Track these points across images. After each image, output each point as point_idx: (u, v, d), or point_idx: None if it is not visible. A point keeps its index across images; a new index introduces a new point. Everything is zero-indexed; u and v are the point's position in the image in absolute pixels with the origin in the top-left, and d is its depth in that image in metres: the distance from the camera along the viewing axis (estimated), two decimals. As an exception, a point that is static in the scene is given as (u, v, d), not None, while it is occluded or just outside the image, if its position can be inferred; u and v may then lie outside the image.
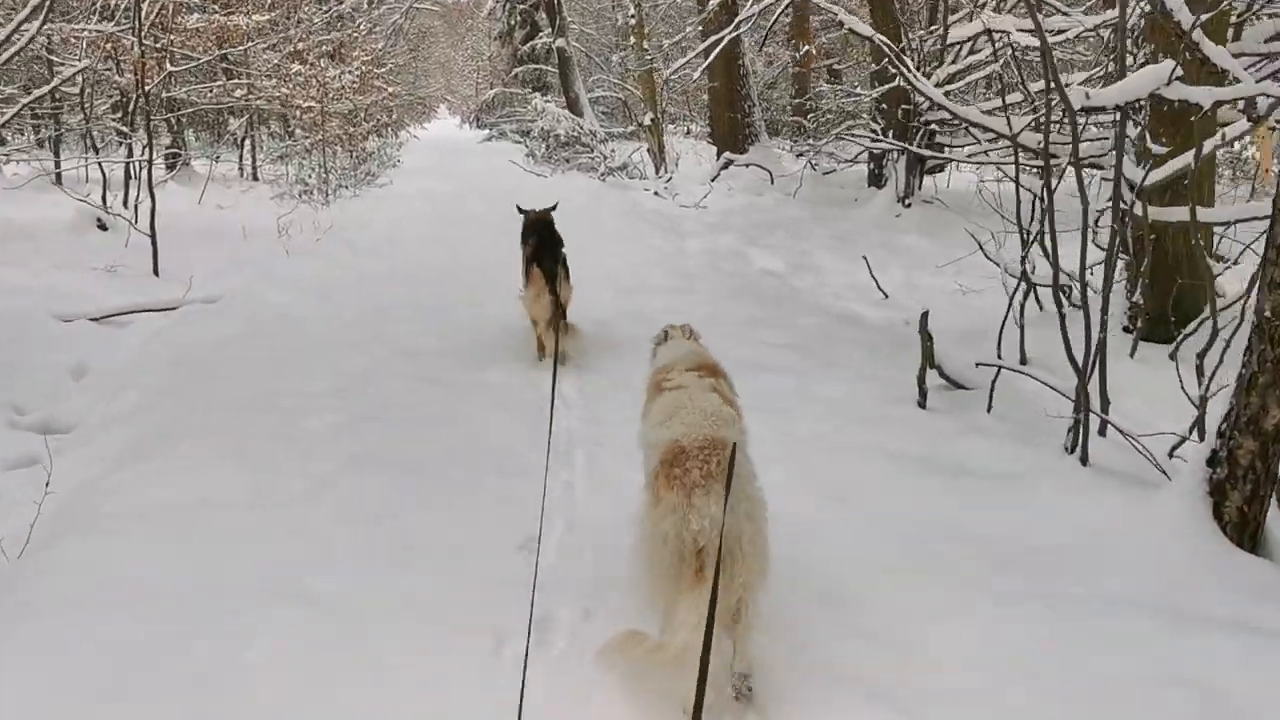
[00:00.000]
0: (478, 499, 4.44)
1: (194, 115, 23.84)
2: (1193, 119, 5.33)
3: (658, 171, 20.03)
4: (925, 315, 5.31)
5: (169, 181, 16.96)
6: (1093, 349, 4.49)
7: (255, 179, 19.16)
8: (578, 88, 29.34)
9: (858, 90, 13.93)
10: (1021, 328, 6.96)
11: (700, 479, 2.90)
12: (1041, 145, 7.78)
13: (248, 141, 19.98)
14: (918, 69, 12.93)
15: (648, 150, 20.74)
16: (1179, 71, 4.91)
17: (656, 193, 17.65)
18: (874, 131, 15.17)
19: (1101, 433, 4.51)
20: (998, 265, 8.08)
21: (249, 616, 3.42)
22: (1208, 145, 5.59)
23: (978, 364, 5.38)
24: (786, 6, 14.03)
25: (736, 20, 12.89)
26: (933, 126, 13.29)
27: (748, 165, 18.06)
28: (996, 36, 8.74)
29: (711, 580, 2.72)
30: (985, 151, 12.21)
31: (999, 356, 6.44)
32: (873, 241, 12.27)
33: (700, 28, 14.08)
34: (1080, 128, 5.82)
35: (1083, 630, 3.32)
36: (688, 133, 32.08)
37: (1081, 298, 5.08)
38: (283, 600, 3.53)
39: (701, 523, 2.81)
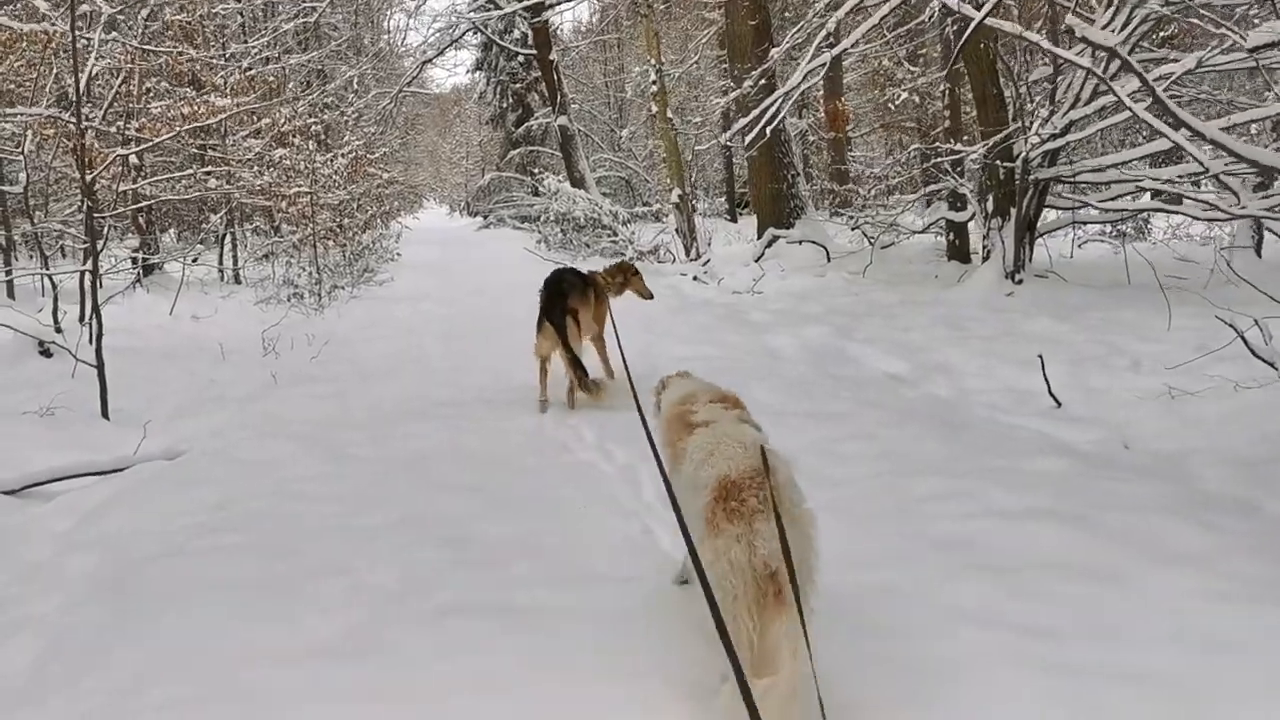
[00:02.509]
0: None
1: (168, 211, 21.73)
2: None
3: (688, 254, 17.82)
4: None
5: (137, 289, 14.71)
6: None
7: (237, 281, 16.87)
8: (582, 167, 27.46)
9: (960, 148, 11.71)
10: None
11: (758, 506, 2.95)
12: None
13: (228, 239, 17.71)
14: (1024, 121, 10.79)
15: (675, 230, 18.55)
16: None
17: (696, 278, 15.43)
18: (958, 194, 12.98)
19: None
20: (1273, 366, 5.77)
21: None
22: None
23: None
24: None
25: (804, 69, 10.70)
26: (1055, 181, 11.09)
27: (800, 242, 15.83)
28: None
29: (792, 604, 2.76)
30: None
31: None
32: (993, 329, 9.97)
33: (753, 86, 11.81)
34: None
35: None
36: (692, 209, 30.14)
37: None
38: None
39: (769, 545, 2.85)
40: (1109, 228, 14.85)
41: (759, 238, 17.17)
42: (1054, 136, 10.11)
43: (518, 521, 4.97)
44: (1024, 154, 10.48)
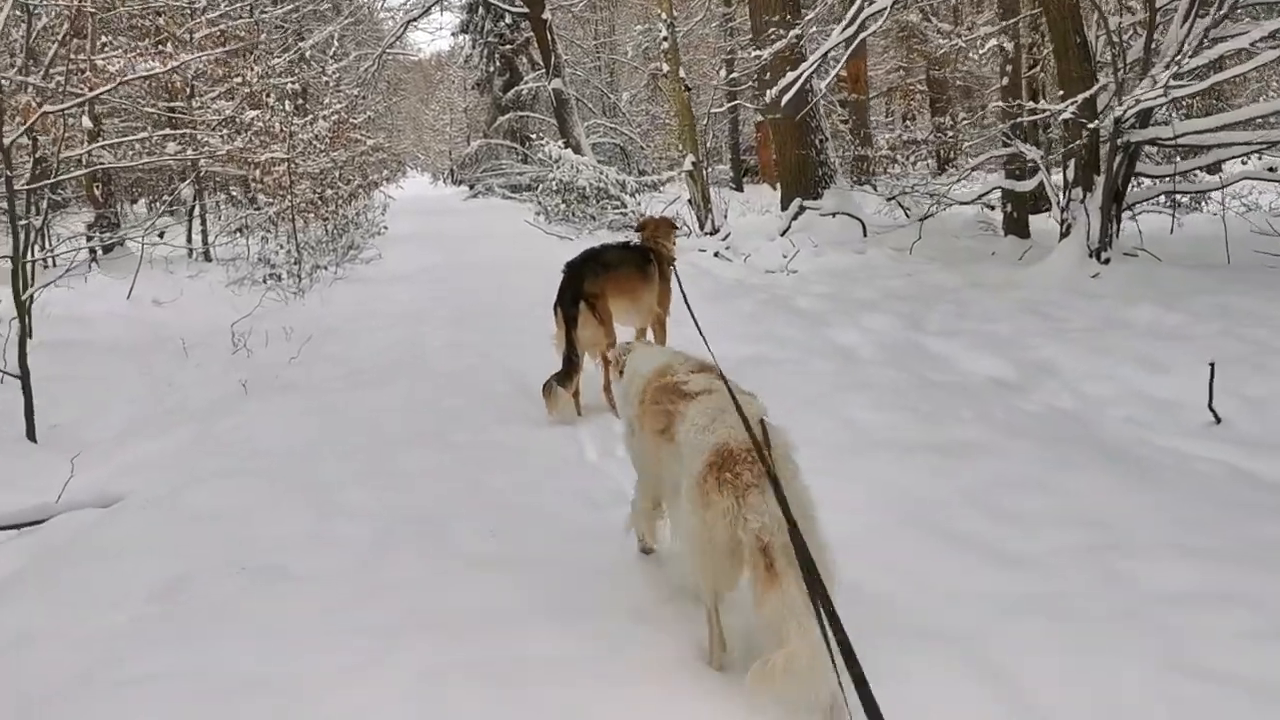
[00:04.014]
0: None
1: (137, 181, 19.98)
2: None
3: (702, 227, 16.25)
4: None
5: (93, 269, 13.09)
6: None
7: (207, 259, 15.22)
8: (577, 133, 25.89)
9: (1045, 106, 10.19)
10: None
11: (752, 480, 2.83)
12: None
13: (198, 211, 15.99)
14: (1118, 74, 9.28)
15: (688, 201, 16.98)
16: None
17: (718, 254, 13.89)
18: (1017, 160, 11.48)
19: None
20: None
21: None
22: None
23: None
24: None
25: (858, 16, 9.15)
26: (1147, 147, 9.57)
27: (833, 215, 14.28)
28: None
29: (786, 576, 2.66)
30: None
31: None
32: (1090, 319, 8.49)
33: (800, 37, 10.21)
34: None
35: None
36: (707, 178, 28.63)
37: None
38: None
39: (761, 520, 2.75)
40: (1162, 197, 13.40)
41: (784, 209, 15.61)
42: (1169, 88, 8.55)
43: (585, 628, 3.47)
44: (1121, 112, 8.93)
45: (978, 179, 14.58)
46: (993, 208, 14.68)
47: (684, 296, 6.46)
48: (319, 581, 3.96)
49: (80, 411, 7.10)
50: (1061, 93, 9.46)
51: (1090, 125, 9.22)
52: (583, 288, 6.42)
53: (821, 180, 15.31)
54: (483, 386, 7.04)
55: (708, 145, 24.87)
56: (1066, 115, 8.97)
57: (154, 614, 3.78)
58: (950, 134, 16.09)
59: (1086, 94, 9.25)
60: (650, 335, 7.04)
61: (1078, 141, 9.57)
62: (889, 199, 14.82)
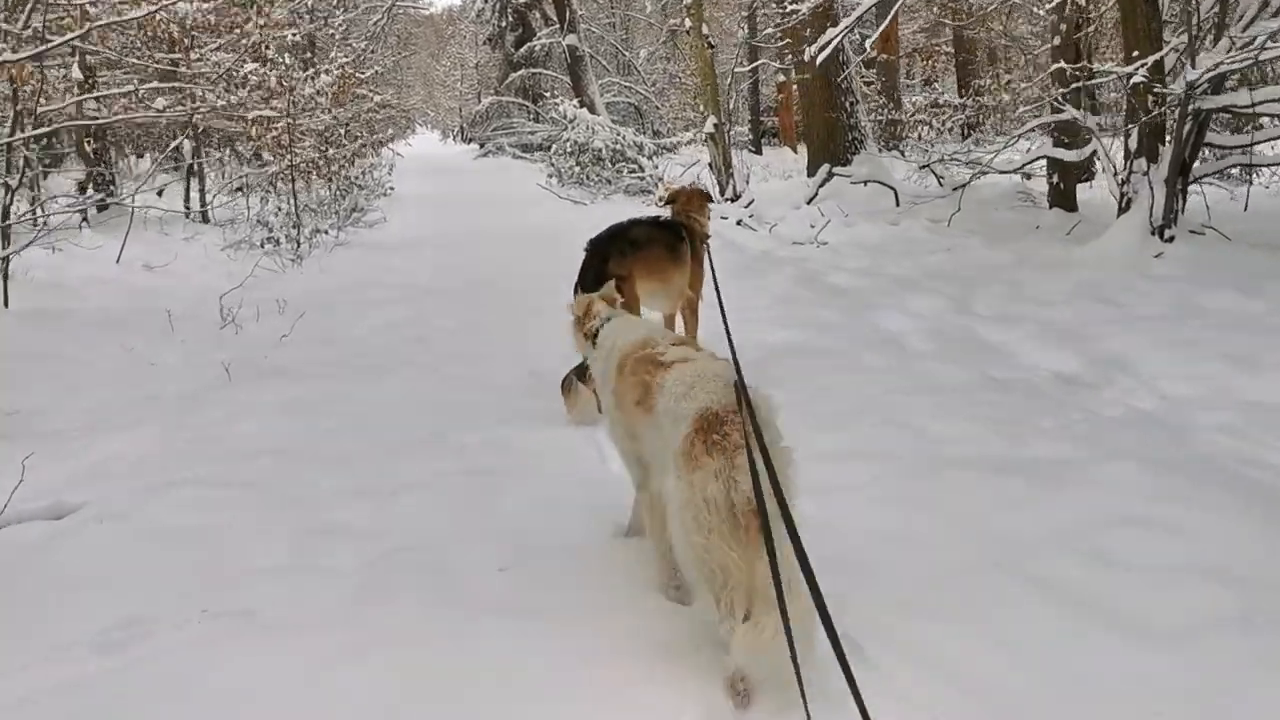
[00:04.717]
0: None
1: (140, 135, 19.22)
2: None
3: (723, 193, 15.46)
4: None
5: (84, 230, 12.37)
6: None
7: (205, 220, 14.47)
8: (591, 91, 25.08)
9: (1111, 69, 9.39)
10: None
11: (740, 441, 2.80)
12: None
13: (195, 168, 15.20)
14: (1194, 32, 8.48)
15: (709, 165, 16.19)
16: None
17: (741, 222, 13.16)
18: (1066, 128, 10.66)
19: None
20: None
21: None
22: None
23: None
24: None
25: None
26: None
27: (865, 182, 13.49)
28: None
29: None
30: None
31: None
32: (1160, 304, 7.75)
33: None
34: None
35: None
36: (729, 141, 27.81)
37: None
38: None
39: (751, 481, 2.71)
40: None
41: (810, 175, 14.84)
42: (1265, 49, 7.73)
43: (610, 708, 2.80)
44: (1196, 76, 8.11)
45: (1016, 145, 13.73)
46: (1029, 177, 13.89)
47: (714, 278, 5.74)
48: (295, 633, 3.29)
49: (48, 395, 6.42)
50: (1137, 53, 8.62)
51: (1163, 90, 8.40)
52: (607, 269, 5.68)
53: (851, 145, 14.54)
54: (491, 377, 6.34)
55: (730, 106, 23.95)
56: (1138, 79, 8.16)
57: (95, 674, 3.11)
58: (986, 97, 15.19)
59: (1158, 55, 8.44)
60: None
61: (1153, 112, 8.72)
62: (921, 166, 14.00)
